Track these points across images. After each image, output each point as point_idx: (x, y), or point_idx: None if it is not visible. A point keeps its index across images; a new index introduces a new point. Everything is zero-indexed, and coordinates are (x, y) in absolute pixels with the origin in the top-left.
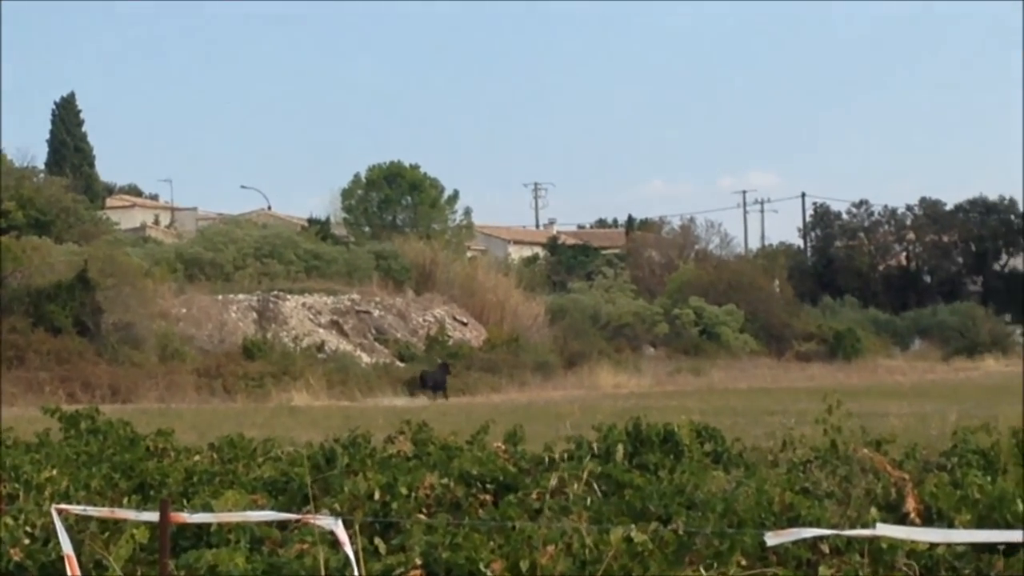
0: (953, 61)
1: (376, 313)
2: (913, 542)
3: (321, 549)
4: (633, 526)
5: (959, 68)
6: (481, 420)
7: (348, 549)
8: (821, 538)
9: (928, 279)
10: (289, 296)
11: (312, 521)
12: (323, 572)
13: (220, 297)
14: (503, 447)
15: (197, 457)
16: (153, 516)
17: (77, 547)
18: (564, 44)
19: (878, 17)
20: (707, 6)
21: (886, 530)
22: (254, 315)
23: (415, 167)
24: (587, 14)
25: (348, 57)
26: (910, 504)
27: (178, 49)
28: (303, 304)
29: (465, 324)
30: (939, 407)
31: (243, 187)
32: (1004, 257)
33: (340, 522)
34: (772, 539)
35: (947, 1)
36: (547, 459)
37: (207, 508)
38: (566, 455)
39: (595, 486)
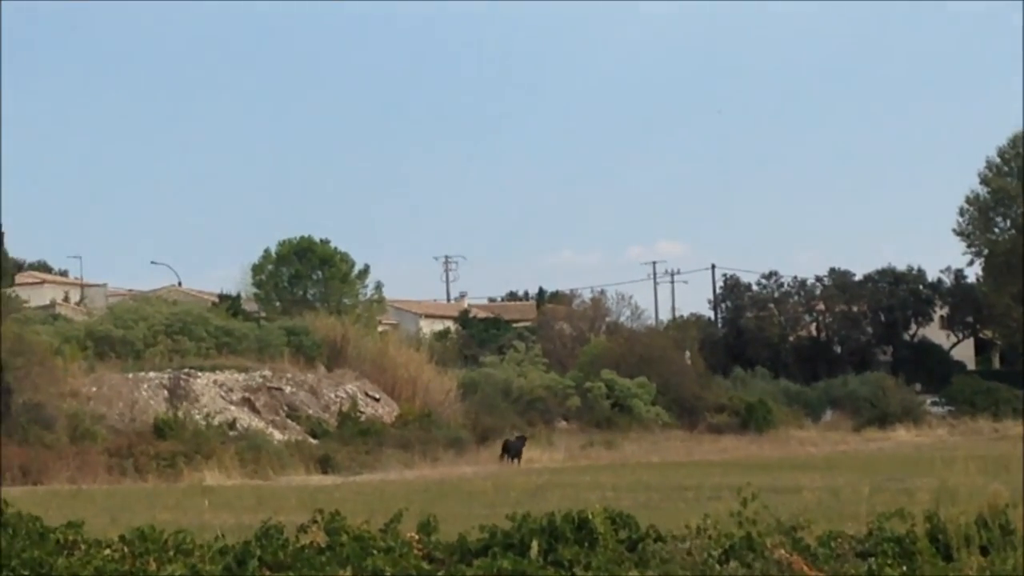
0: (854, 129)
1: (288, 389)
2: None
3: None
4: None
5: (860, 136)
6: (395, 499)
7: None
8: None
9: (838, 349)
10: (200, 373)
11: None
12: None
13: (131, 375)
14: (416, 537)
15: (107, 551)
16: None
17: None
18: (470, 115)
19: (780, 85)
20: (612, 71)
21: None
22: (165, 393)
23: (325, 242)
24: (495, 82)
25: (260, 130)
26: None
27: (86, 122)
28: (214, 381)
29: (377, 400)
30: (851, 479)
31: (153, 263)
32: (913, 327)
33: None
34: None
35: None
36: (460, 552)
37: None
38: (480, 546)
39: None
